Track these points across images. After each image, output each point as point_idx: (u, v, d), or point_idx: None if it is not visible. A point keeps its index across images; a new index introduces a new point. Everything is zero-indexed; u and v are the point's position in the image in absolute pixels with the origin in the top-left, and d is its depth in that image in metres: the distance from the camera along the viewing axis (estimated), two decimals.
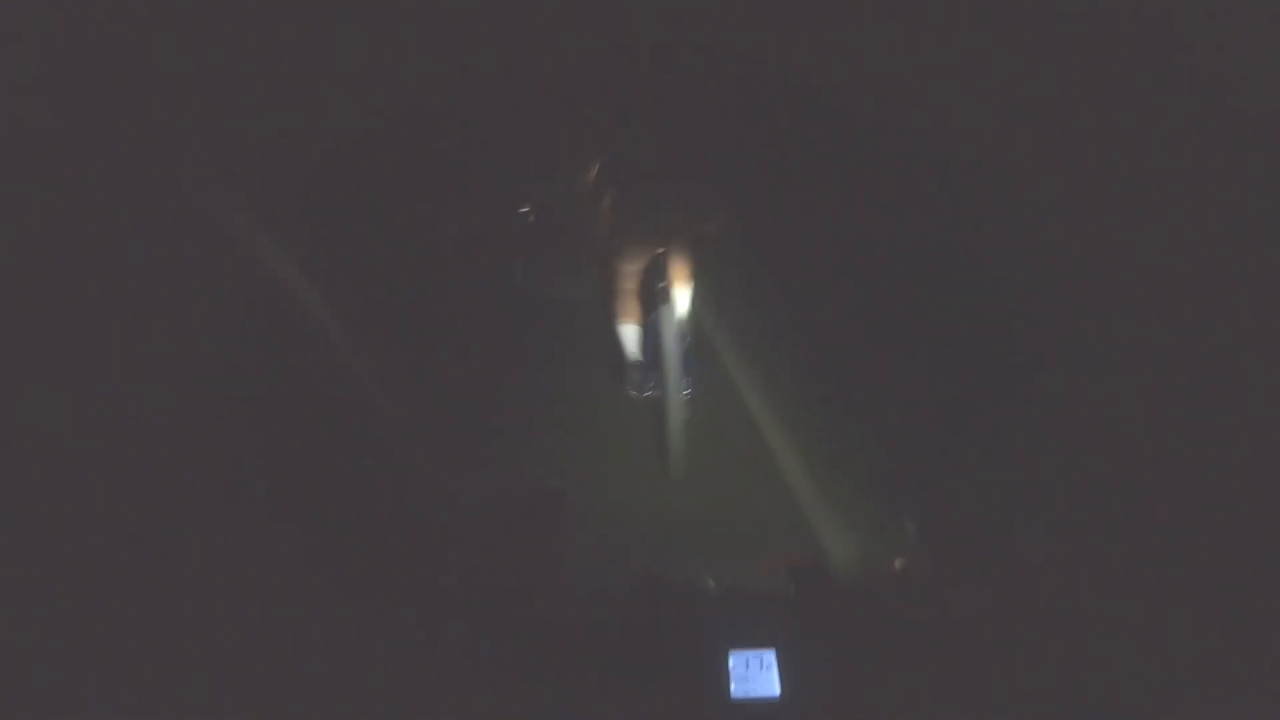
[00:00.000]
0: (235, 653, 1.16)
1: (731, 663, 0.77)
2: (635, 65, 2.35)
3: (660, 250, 2.52)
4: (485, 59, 2.74)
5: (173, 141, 1.97)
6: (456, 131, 2.85)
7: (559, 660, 0.82)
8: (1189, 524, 0.91)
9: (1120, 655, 0.64)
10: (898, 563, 0.84)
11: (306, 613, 1.22)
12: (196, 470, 1.45)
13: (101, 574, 1.32)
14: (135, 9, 1.92)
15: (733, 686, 0.75)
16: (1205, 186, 1.14)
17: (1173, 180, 1.18)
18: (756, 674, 0.75)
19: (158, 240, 1.86)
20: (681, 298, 2.52)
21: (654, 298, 2.50)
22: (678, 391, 2.45)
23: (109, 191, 1.79)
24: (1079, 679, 0.63)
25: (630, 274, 2.59)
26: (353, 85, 2.45)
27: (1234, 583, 0.78)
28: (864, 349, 2.29)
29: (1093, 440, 1.23)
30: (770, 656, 0.77)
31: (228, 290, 2.01)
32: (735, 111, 2.42)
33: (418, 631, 0.91)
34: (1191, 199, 1.15)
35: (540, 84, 2.63)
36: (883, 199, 2.15)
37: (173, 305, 1.81)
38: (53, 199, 1.67)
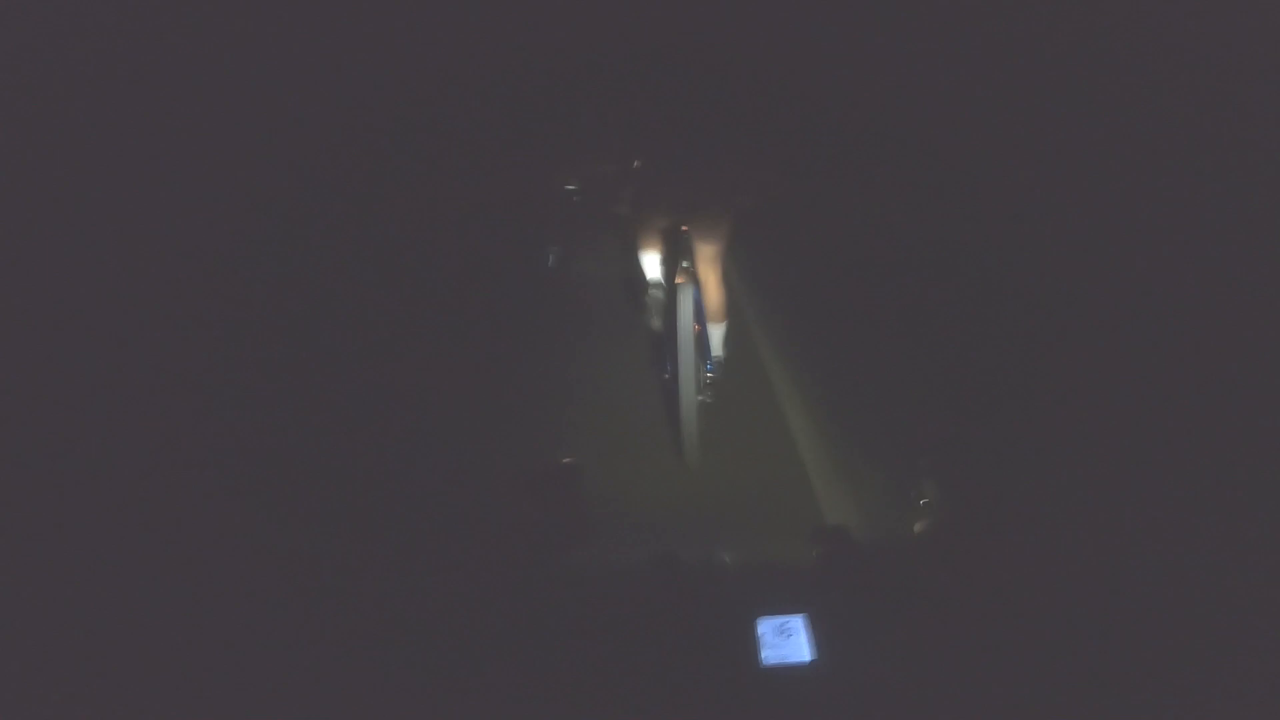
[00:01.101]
0: (267, 621, 1.16)
1: (760, 629, 0.77)
2: (667, 48, 2.32)
3: (684, 229, 2.50)
4: (514, 44, 2.72)
5: (184, 125, 1.95)
6: (480, 113, 2.84)
7: (589, 639, 0.81)
8: (1200, 498, 0.89)
9: (1137, 615, 0.64)
10: (917, 526, 0.83)
11: (326, 587, 1.21)
12: (216, 436, 1.44)
13: (102, 567, 1.30)
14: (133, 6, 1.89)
15: (764, 653, 0.74)
16: (1215, 183, 1.12)
17: (1186, 175, 1.17)
18: (786, 640, 0.75)
19: (166, 214, 1.84)
20: (705, 281, 2.50)
21: (674, 280, 2.49)
22: (692, 373, 2.44)
23: (108, 188, 1.76)
24: (1094, 637, 0.62)
25: (657, 261, 2.58)
26: (380, 68, 2.44)
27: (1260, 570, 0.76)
28: (879, 324, 2.28)
29: (1108, 420, 1.21)
30: (799, 622, 0.76)
31: (241, 264, 1.99)
32: (770, 95, 2.39)
33: (439, 608, 0.90)
34: (1203, 194, 1.14)
35: (569, 65, 2.61)
36: (907, 181, 2.13)
37: (182, 272, 1.79)
38: (44, 197, 1.64)
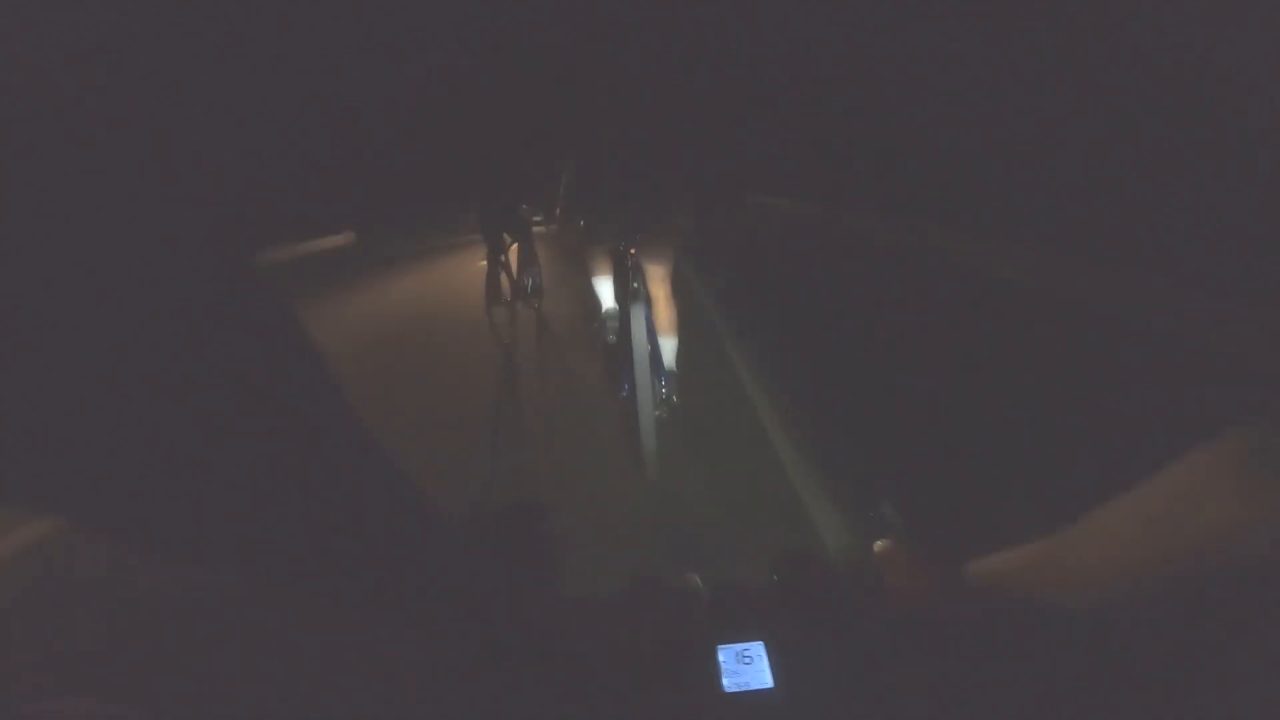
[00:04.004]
0: (212, 670, 1.07)
1: (721, 657, 0.73)
2: (609, 69, 2.30)
3: (632, 251, 2.50)
4: (462, 71, 2.67)
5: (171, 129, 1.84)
6: (432, 129, 2.78)
7: (547, 665, 0.76)
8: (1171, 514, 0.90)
9: (1110, 641, 0.63)
10: (877, 546, 0.81)
11: (290, 626, 1.13)
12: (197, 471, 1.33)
13: (85, 577, 1.19)
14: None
15: (724, 680, 0.71)
16: (1189, 184, 1.15)
17: (1158, 176, 1.19)
18: (747, 667, 0.72)
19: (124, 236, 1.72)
20: (655, 298, 2.50)
21: (626, 299, 2.48)
22: (649, 390, 2.43)
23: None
24: (1070, 663, 0.61)
25: (607, 281, 2.58)
26: (331, 82, 2.36)
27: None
28: (841, 342, 2.29)
29: (1076, 438, 1.23)
30: (759, 648, 0.73)
31: (209, 293, 1.88)
32: (717, 114, 2.40)
33: (399, 637, 0.85)
34: (1173, 193, 1.16)
35: (516, 86, 2.58)
36: (863, 189, 2.16)
37: (141, 304, 1.67)
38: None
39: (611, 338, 2.67)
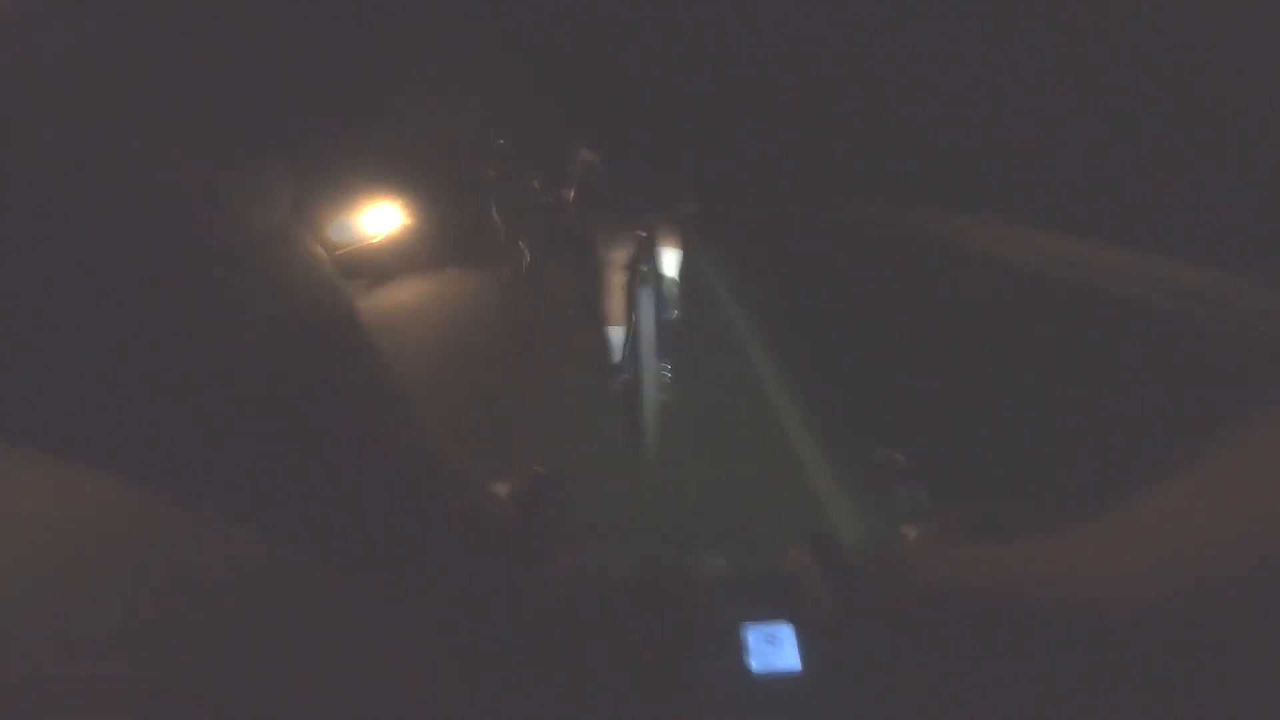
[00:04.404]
0: (218, 648, 1.07)
1: (747, 637, 0.73)
2: (618, 50, 2.26)
3: (643, 234, 2.48)
4: (474, 54, 2.63)
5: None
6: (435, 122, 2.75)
7: (569, 649, 0.76)
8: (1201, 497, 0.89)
9: (1143, 621, 0.62)
10: (909, 532, 0.80)
11: (295, 605, 1.13)
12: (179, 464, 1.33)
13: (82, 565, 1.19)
14: None
15: (752, 661, 0.70)
16: (1193, 179, 1.12)
17: (1159, 171, 1.17)
18: (775, 648, 0.72)
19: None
20: (666, 277, 2.48)
21: (635, 282, 2.46)
22: (654, 373, 2.42)
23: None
24: (1098, 646, 0.60)
25: (616, 266, 2.55)
26: (332, 80, 2.32)
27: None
28: (860, 322, 2.26)
29: (1104, 421, 1.21)
30: (787, 630, 0.73)
31: (206, 270, 1.86)
32: (732, 99, 2.36)
33: (414, 623, 0.85)
34: (1180, 186, 1.14)
35: (520, 70, 2.53)
36: (876, 175, 2.13)
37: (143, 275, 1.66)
38: None
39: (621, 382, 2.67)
